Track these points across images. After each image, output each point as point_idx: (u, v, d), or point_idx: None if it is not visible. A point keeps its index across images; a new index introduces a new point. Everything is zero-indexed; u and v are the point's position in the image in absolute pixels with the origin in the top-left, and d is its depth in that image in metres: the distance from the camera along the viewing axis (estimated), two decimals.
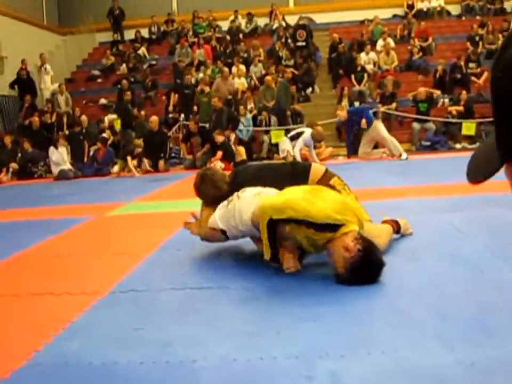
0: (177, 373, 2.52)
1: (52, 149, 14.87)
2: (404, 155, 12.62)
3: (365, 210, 4.30)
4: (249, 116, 16.71)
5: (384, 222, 4.66)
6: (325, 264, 3.83)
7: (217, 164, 13.45)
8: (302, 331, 2.82)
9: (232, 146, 14.69)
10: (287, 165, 5.48)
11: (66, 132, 17.33)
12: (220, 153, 14.03)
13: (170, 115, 17.72)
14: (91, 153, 16.07)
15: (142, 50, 22.10)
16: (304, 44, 20.44)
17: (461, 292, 3.33)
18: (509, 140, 0.84)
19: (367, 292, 3.40)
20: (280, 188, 3.97)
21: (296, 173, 4.48)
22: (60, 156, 14.72)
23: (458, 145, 14.37)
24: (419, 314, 3.02)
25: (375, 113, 15.85)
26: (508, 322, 2.81)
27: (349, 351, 2.58)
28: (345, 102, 16.85)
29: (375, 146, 13.55)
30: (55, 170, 14.67)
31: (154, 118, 15.29)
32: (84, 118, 17.34)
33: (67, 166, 14.89)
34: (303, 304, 3.24)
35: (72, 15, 23.41)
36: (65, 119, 18.18)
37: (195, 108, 17.52)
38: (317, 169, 4.55)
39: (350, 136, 14.27)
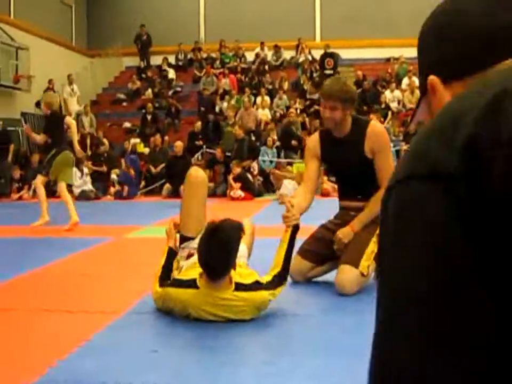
0: None
1: (74, 169, 14.96)
2: None
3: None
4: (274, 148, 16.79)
5: None
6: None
7: (237, 193, 13.51)
8: None
9: (249, 176, 14.68)
10: None
11: (89, 153, 17.44)
12: (238, 185, 14.02)
13: (196, 142, 17.76)
14: (112, 175, 16.15)
15: (172, 74, 22.28)
16: (332, 72, 20.54)
17: None
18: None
19: None
20: None
21: None
22: (81, 177, 14.82)
23: None
24: None
25: (397, 152, 15.91)
26: None
27: None
28: None
29: None
30: (76, 190, 14.74)
31: (179, 143, 15.35)
32: (105, 141, 17.47)
33: (88, 186, 14.97)
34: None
35: (101, 38, 23.68)
36: (88, 140, 18.30)
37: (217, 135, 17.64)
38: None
39: None
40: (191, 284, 3.52)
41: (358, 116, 4.70)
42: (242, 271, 3.69)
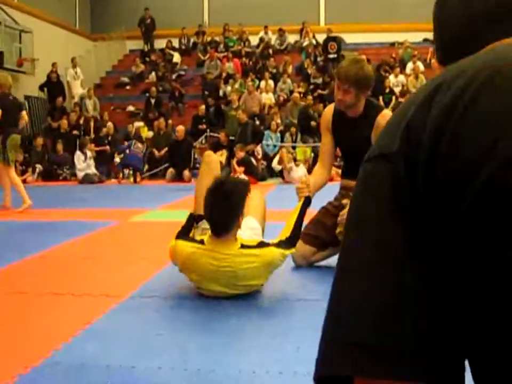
0: (195, 380, 2.50)
1: (78, 153, 14.99)
2: None
3: None
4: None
5: None
6: None
7: (241, 177, 13.51)
8: None
9: (253, 161, 14.71)
10: None
11: (93, 136, 17.47)
12: (241, 169, 14.01)
13: (199, 126, 17.74)
14: (115, 158, 16.20)
15: (176, 57, 22.25)
16: (335, 55, 20.49)
17: None
18: None
19: None
20: None
21: None
22: (85, 160, 14.84)
23: None
24: None
25: None
26: None
27: None
28: None
29: None
30: (80, 173, 14.77)
31: (180, 128, 15.36)
32: (110, 124, 17.47)
33: (92, 170, 14.99)
34: None
35: (104, 21, 23.60)
36: (92, 124, 18.30)
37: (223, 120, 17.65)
38: None
39: None
40: (200, 241, 3.65)
41: (372, 100, 4.68)
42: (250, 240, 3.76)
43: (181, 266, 3.73)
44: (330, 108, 4.80)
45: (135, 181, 14.84)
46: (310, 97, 18.04)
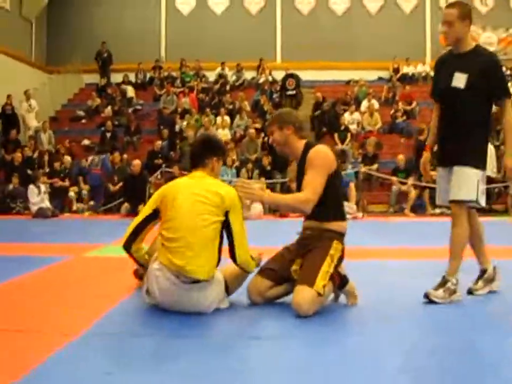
0: None
1: (31, 186, 14.82)
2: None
3: None
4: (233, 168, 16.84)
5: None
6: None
7: None
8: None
9: None
10: None
11: (47, 170, 17.31)
12: None
13: (155, 161, 17.70)
14: (70, 193, 16.09)
15: (130, 91, 22.21)
16: (294, 92, 20.73)
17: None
18: None
19: None
20: None
21: None
22: (39, 194, 14.67)
23: (437, 210, 14.37)
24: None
25: (356, 173, 16.13)
26: None
27: None
28: None
29: None
30: (34, 207, 14.58)
31: (137, 162, 15.28)
32: (67, 158, 17.36)
33: (46, 204, 14.81)
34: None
35: (60, 54, 23.49)
36: (46, 157, 18.12)
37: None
38: None
39: None
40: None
41: (311, 142, 4.77)
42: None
43: (160, 205, 4.31)
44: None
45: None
46: (256, 134, 18.17)
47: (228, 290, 4.41)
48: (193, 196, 4.17)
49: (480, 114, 4.69)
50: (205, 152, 4.42)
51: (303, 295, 4.09)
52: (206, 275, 4.07)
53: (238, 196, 4.27)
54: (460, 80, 4.71)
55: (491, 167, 16.40)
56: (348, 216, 5.15)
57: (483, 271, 4.98)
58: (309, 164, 4.44)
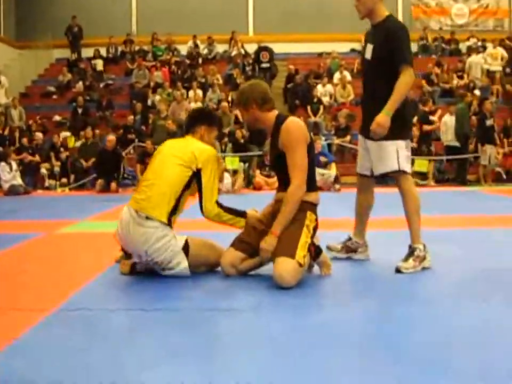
0: None
1: (2, 164, 14.67)
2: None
3: None
4: None
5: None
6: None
7: None
8: (256, 356, 2.79)
9: None
10: None
11: (18, 146, 17.15)
12: None
13: (128, 135, 17.59)
14: (42, 169, 15.97)
15: (99, 65, 22.01)
16: (268, 65, 20.71)
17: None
18: None
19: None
20: None
21: None
22: (10, 171, 14.54)
23: None
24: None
25: (329, 145, 16.17)
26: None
27: None
28: None
29: None
30: (5, 185, 14.46)
31: (111, 137, 15.11)
32: (38, 134, 17.20)
33: (17, 181, 14.69)
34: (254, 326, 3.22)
35: (30, 29, 23.19)
36: (17, 134, 17.95)
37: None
38: None
39: None
40: None
41: (282, 114, 4.73)
42: None
43: None
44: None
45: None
46: (229, 107, 18.08)
47: (188, 252, 4.49)
48: (170, 150, 4.73)
49: (390, 85, 4.58)
50: (194, 121, 4.89)
51: (285, 267, 4.09)
52: (158, 214, 4.42)
53: (215, 158, 4.64)
54: (368, 51, 4.79)
55: (450, 138, 16.54)
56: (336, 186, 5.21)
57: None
58: (286, 143, 4.41)
